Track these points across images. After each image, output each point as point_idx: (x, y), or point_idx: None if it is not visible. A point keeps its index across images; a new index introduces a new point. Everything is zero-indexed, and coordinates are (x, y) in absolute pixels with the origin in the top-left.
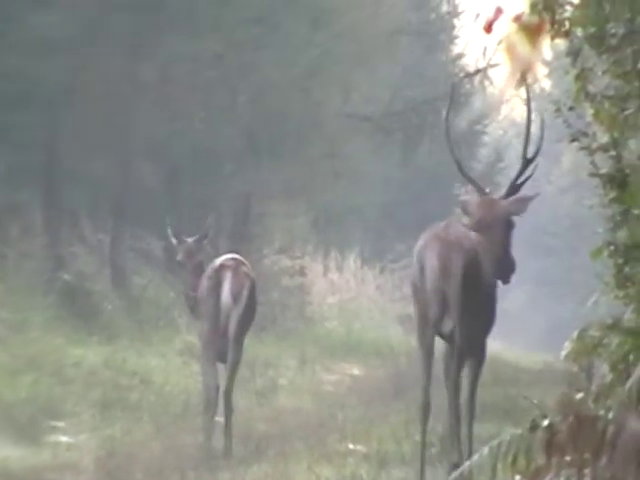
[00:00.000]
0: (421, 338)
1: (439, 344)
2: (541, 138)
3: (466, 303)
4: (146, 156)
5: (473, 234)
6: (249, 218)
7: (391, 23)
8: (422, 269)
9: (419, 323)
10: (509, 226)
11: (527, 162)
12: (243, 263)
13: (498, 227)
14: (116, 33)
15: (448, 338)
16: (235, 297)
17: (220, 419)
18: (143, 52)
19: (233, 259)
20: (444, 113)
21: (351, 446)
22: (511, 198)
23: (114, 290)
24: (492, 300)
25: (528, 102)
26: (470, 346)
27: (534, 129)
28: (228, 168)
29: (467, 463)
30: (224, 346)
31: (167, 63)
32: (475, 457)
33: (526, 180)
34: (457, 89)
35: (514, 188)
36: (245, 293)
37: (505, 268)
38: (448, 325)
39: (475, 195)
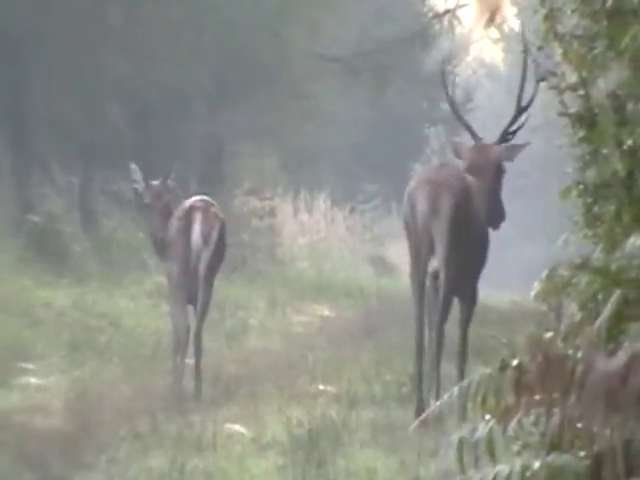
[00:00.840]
0: (413, 276)
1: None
2: (525, 87)
3: (453, 243)
4: (114, 98)
5: (468, 176)
6: (219, 159)
7: None
8: (413, 209)
9: (412, 261)
10: (500, 172)
11: (521, 110)
12: (212, 204)
13: (489, 172)
14: None
15: (433, 277)
16: (205, 238)
17: (190, 361)
18: None
19: (202, 200)
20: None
21: (321, 387)
22: (503, 145)
23: (84, 232)
24: (484, 243)
25: (525, 50)
26: (458, 287)
27: (503, 68)
28: (197, 109)
29: (437, 403)
30: (194, 287)
31: (133, 4)
32: (445, 397)
33: (519, 128)
34: (426, 29)
35: (507, 135)
36: (215, 234)
37: (495, 213)
38: (434, 264)
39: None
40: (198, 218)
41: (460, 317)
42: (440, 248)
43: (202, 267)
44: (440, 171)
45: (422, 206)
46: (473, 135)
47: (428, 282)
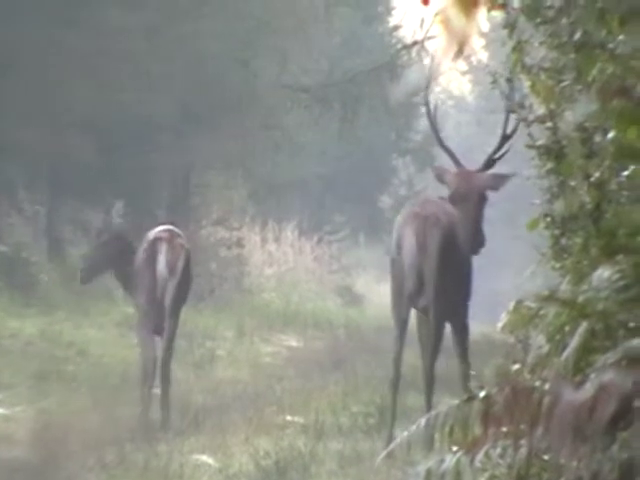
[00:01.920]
0: (395, 311)
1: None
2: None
3: (442, 279)
4: (82, 127)
5: (451, 208)
6: (187, 189)
7: None
8: (399, 244)
9: (394, 297)
10: (483, 200)
11: (505, 138)
12: (178, 234)
13: (473, 199)
14: (47, 3)
15: (423, 313)
16: (171, 269)
17: (158, 391)
18: (76, 22)
19: (167, 230)
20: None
21: (289, 418)
22: (488, 173)
23: (51, 261)
24: (469, 273)
25: (511, 84)
26: (449, 321)
27: (471, 100)
28: (165, 139)
29: (404, 434)
30: (161, 318)
31: (100, 33)
32: (413, 428)
33: (502, 155)
34: (395, 60)
35: (490, 162)
36: (180, 264)
37: (476, 241)
38: (423, 301)
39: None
40: (163, 249)
41: (457, 350)
42: (430, 285)
43: (168, 297)
44: (425, 206)
45: (410, 241)
46: (456, 162)
47: (417, 318)
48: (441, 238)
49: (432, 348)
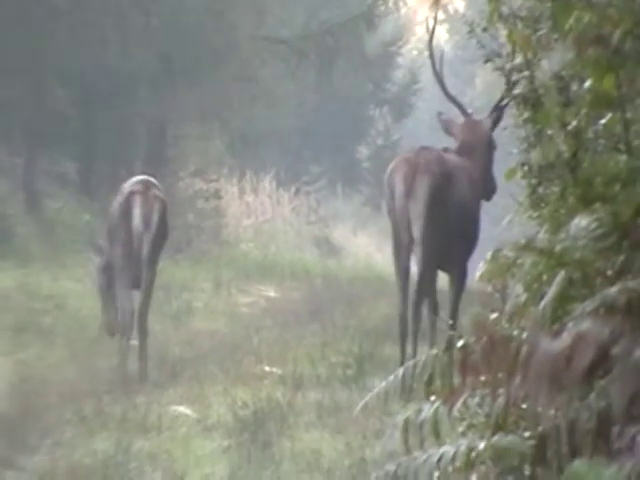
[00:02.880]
0: (395, 258)
1: None
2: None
3: (430, 225)
4: (59, 79)
5: (452, 158)
6: (164, 141)
7: None
8: (392, 192)
9: (393, 244)
10: (492, 147)
11: (512, 83)
12: (153, 185)
13: (482, 148)
14: None
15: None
16: (146, 221)
17: (135, 342)
18: None
19: (142, 182)
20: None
21: (267, 368)
22: (490, 114)
23: (28, 213)
24: (473, 221)
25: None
26: (443, 266)
27: (447, 48)
28: (142, 91)
29: (383, 383)
30: (138, 270)
31: None
32: (391, 378)
33: (509, 102)
34: (371, 10)
35: (496, 110)
36: (156, 216)
37: (488, 188)
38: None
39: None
40: (137, 202)
41: (450, 293)
42: (416, 229)
43: (145, 250)
44: (419, 154)
45: (399, 188)
46: (462, 110)
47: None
48: (430, 185)
49: (416, 291)
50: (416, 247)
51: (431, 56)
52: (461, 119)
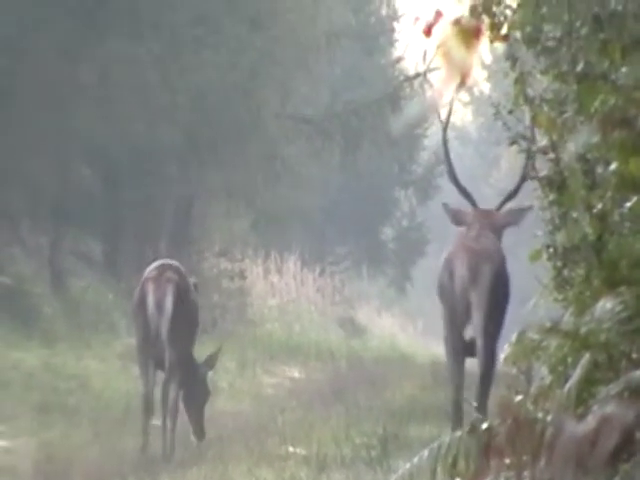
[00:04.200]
0: (450, 340)
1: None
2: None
3: (491, 312)
4: (86, 158)
5: (499, 244)
6: (190, 220)
7: (330, 25)
8: (451, 272)
9: (447, 326)
10: (501, 237)
11: (524, 179)
12: (169, 268)
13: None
14: (54, 33)
15: (469, 345)
16: (159, 307)
17: (158, 423)
18: (82, 53)
19: (158, 267)
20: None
21: (291, 449)
22: (506, 209)
23: (53, 293)
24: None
25: (532, 129)
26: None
27: (472, 130)
28: (168, 169)
29: (407, 465)
30: (160, 353)
31: (106, 64)
32: (415, 459)
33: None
34: (397, 92)
35: (508, 199)
36: (169, 299)
37: None
38: (470, 333)
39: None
40: (151, 289)
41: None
42: (478, 317)
43: (163, 334)
44: (480, 240)
45: (461, 273)
46: (470, 201)
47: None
48: (493, 272)
49: (482, 377)
50: (477, 335)
51: (444, 145)
52: (469, 209)
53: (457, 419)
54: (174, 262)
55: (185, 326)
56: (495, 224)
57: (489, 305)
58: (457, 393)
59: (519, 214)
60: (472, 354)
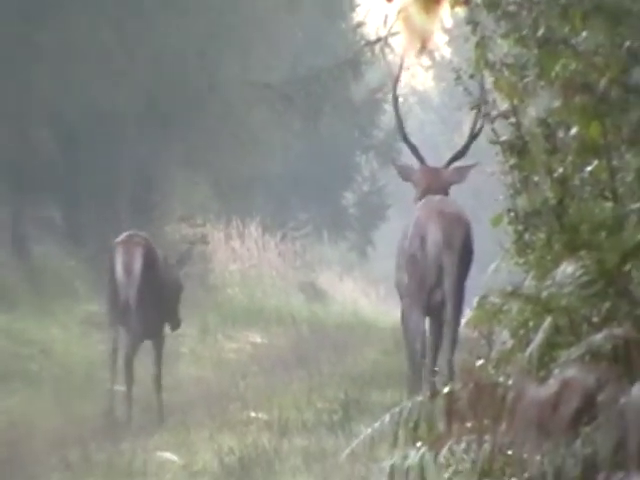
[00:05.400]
0: (416, 308)
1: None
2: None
3: (460, 276)
4: (44, 123)
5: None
6: (150, 186)
7: None
8: (423, 241)
9: (414, 291)
10: (447, 194)
11: (474, 136)
12: (137, 236)
13: (441, 195)
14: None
15: (436, 307)
16: (128, 271)
17: (121, 388)
18: (40, 16)
19: (127, 236)
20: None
21: (253, 414)
22: (452, 167)
23: (13, 259)
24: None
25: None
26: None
27: (434, 95)
28: (128, 135)
29: (369, 430)
30: (128, 318)
31: (64, 28)
32: (377, 424)
33: (467, 150)
34: (358, 57)
35: (455, 159)
36: (138, 265)
37: None
38: (439, 296)
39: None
40: (119, 252)
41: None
42: (449, 280)
43: (131, 298)
44: (450, 204)
45: (435, 238)
46: (419, 159)
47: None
48: (464, 236)
49: (451, 341)
50: (448, 297)
51: (395, 101)
52: (418, 165)
53: (417, 384)
54: (143, 233)
55: (154, 293)
56: (441, 181)
57: (459, 269)
58: (418, 358)
59: (464, 171)
60: (434, 318)
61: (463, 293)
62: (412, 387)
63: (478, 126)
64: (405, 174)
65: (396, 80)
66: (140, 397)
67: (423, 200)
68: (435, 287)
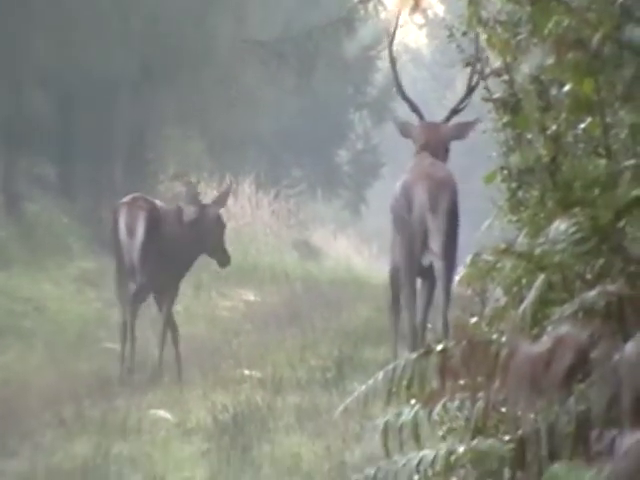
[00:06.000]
0: (408, 269)
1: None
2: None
3: (449, 237)
4: (38, 83)
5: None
6: (144, 144)
7: None
8: (410, 203)
9: (406, 255)
10: (448, 151)
11: (471, 90)
12: (141, 198)
13: (441, 151)
14: None
15: (427, 268)
16: (130, 231)
17: (114, 347)
18: None
19: (132, 197)
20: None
21: (246, 372)
22: (452, 123)
23: (7, 216)
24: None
25: (477, 41)
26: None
27: (427, 53)
28: (122, 94)
29: (362, 387)
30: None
31: None
32: (370, 381)
33: (465, 106)
34: (351, 14)
35: (453, 114)
36: (141, 224)
37: None
38: (427, 259)
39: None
40: (123, 212)
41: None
42: (437, 242)
43: (135, 258)
44: (437, 167)
45: (421, 200)
46: (419, 115)
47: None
48: (451, 199)
49: (444, 302)
50: (437, 259)
51: (391, 57)
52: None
53: (415, 341)
54: (147, 196)
55: (161, 254)
56: (441, 137)
57: (447, 231)
58: (414, 316)
59: (465, 128)
60: (425, 278)
61: (454, 254)
62: (412, 347)
63: (475, 80)
64: (405, 130)
65: (391, 40)
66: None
67: (413, 162)
68: (423, 248)
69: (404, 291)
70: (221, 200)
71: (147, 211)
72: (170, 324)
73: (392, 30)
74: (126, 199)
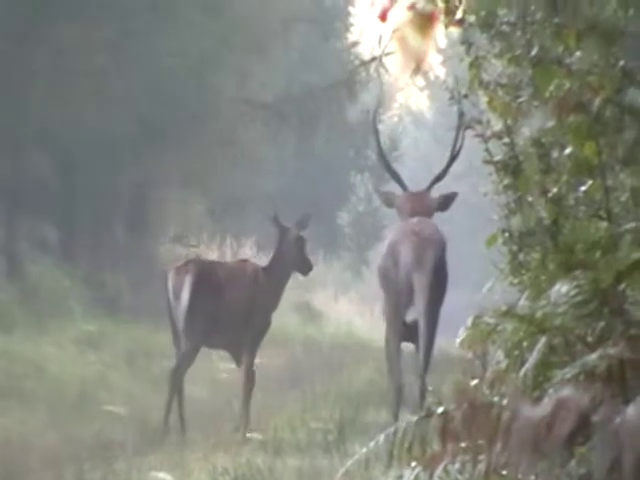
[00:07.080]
0: (393, 325)
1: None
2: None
3: (433, 295)
4: (38, 143)
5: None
6: (145, 206)
7: (286, 10)
8: (396, 261)
9: (392, 312)
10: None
11: (454, 157)
12: (191, 261)
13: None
14: (4, 16)
15: (414, 328)
16: (175, 295)
17: (115, 409)
18: (33, 36)
19: (185, 260)
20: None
21: (247, 434)
22: (436, 195)
23: (9, 279)
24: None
25: (453, 98)
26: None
27: (429, 116)
28: (123, 155)
29: (363, 450)
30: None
31: (58, 49)
32: (371, 444)
33: (444, 175)
34: (352, 77)
35: (435, 183)
36: (187, 289)
37: None
38: (412, 314)
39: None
40: (170, 277)
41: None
42: (421, 300)
43: (180, 321)
44: (423, 226)
45: (407, 259)
46: (401, 185)
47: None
48: (435, 256)
49: (423, 360)
50: (420, 316)
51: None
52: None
53: (399, 400)
54: (201, 258)
55: (202, 321)
56: (424, 205)
57: (431, 289)
58: (397, 373)
59: (448, 200)
60: (409, 339)
61: (437, 313)
62: (395, 408)
63: (457, 146)
64: (388, 201)
65: (374, 112)
66: (134, 417)
67: (401, 221)
68: (409, 307)
69: (388, 347)
70: (302, 223)
71: (194, 274)
72: (249, 380)
73: (377, 103)
74: (176, 263)
